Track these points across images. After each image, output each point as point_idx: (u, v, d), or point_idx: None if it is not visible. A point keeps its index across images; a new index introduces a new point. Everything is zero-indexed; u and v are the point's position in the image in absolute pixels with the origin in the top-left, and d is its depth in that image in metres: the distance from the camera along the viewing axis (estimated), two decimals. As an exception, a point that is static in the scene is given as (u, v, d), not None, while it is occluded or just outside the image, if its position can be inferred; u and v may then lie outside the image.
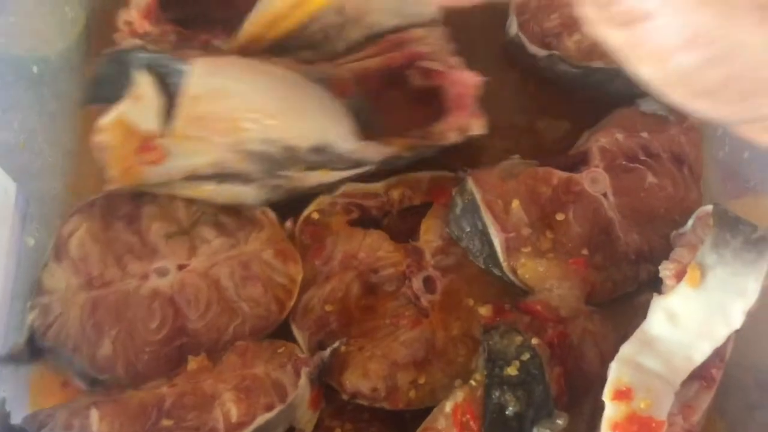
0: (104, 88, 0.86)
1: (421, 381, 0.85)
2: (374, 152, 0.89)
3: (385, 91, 0.97)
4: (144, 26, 0.92)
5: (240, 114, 0.84)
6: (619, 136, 0.95)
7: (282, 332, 0.89)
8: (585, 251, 0.89)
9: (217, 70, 0.84)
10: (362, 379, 0.84)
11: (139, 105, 0.85)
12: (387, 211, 0.96)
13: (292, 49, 0.96)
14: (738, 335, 0.78)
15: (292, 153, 0.87)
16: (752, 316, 0.76)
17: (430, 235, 0.93)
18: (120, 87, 0.85)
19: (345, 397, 0.84)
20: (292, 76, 0.86)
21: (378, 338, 0.87)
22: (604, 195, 0.92)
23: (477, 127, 0.92)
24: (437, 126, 0.93)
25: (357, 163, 0.90)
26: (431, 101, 0.96)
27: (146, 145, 0.85)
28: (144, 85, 0.85)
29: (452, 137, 0.92)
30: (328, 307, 0.89)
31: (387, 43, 0.98)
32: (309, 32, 0.96)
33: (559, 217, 0.90)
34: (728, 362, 0.79)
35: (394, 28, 0.99)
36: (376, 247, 0.92)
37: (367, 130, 0.91)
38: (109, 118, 0.86)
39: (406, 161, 0.93)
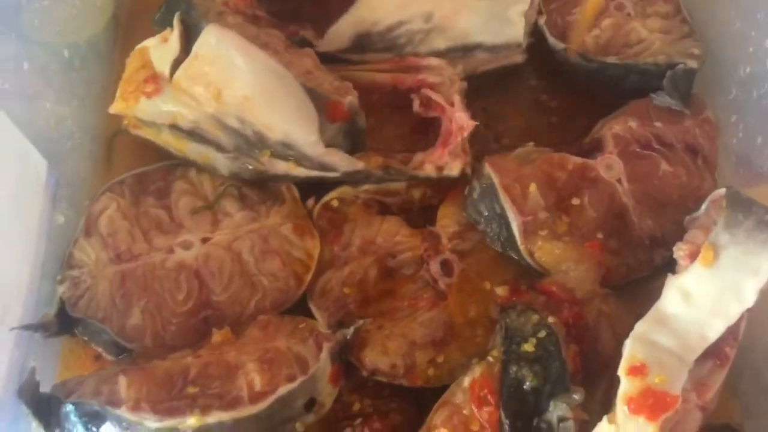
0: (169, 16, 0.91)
1: (440, 360, 0.86)
2: (341, 162, 0.91)
3: (385, 108, 0.99)
4: (238, 5, 0.96)
5: (224, 86, 0.87)
6: (633, 124, 0.97)
7: (301, 312, 0.90)
8: (600, 235, 0.91)
9: (225, 39, 0.87)
10: (381, 357, 0.85)
11: (163, 46, 0.90)
12: (408, 209, 0.98)
13: (374, 47, 1.00)
14: (752, 319, 0.79)
15: (262, 139, 0.89)
16: (767, 300, 0.77)
17: (446, 220, 0.95)
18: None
19: (364, 373, 0.86)
20: (284, 74, 0.88)
21: (397, 318, 0.89)
22: (619, 181, 0.94)
23: (455, 168, 0.92)
24: (419, 155, 0.94)
25: (323, 167, 0.91)
26: (425, 131, 0.98)
27: (151, 77, 0.90)
28: (174, 31, 0.89)
29: (428, 170, 0.93)
30: (346, 290, 0.90)
31: (402, 63, 1.00)
32: (394, 35, 0.99)
33: (575, 201, 0.92)
34: (742, 345, 0.79)
35: (477, 45, 1.01)
36: (393, 232, 0.94)
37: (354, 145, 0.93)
38: (139, 45, 0.93)
39: (375, 179, 0.94)
